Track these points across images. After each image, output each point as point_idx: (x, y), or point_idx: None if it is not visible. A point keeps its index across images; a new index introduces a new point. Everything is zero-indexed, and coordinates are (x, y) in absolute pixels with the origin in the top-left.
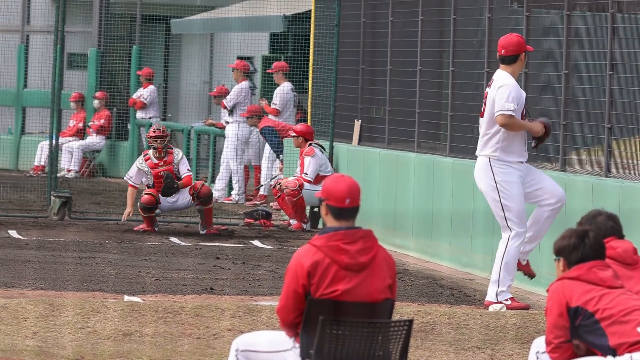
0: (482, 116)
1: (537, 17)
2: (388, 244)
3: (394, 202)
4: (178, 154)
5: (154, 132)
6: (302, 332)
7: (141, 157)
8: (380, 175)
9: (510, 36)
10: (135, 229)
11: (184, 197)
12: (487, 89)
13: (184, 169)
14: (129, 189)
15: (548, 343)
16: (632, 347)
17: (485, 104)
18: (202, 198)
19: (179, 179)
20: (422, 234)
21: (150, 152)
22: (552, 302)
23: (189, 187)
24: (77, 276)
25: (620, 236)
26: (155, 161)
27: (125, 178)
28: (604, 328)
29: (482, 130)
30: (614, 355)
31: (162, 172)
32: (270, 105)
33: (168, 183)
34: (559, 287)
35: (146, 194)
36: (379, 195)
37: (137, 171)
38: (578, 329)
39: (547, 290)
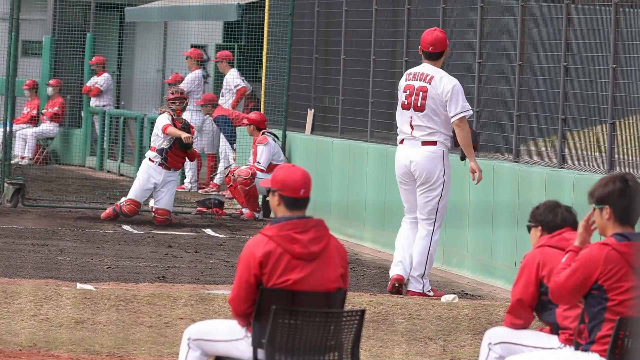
0: (421, 110)
1: (492, 7)
2: (342, 234)
3: (348, 192)
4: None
5: (173, 94)
6: (254, 321)
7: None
8: (334, 165)
9: (436, 32)
10: (102, 217)
11: (165, 187)
12: (418, 82)
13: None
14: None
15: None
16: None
17: (417, 97)
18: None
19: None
20: (375, 224)
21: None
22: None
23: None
24: (31, 263)
25: (576, 228)
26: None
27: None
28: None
29: (422, 122)
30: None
31: (182, 121)
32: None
33: (184, 127)
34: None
35: (128, 204)
36: (332, 185)
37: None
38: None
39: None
